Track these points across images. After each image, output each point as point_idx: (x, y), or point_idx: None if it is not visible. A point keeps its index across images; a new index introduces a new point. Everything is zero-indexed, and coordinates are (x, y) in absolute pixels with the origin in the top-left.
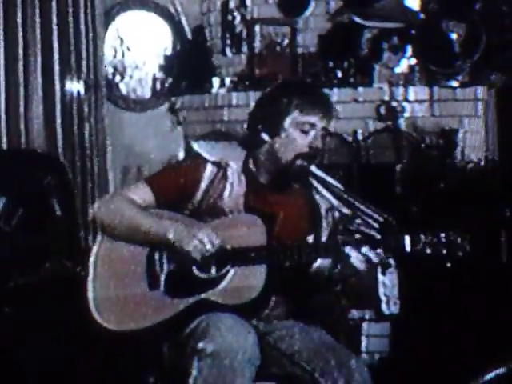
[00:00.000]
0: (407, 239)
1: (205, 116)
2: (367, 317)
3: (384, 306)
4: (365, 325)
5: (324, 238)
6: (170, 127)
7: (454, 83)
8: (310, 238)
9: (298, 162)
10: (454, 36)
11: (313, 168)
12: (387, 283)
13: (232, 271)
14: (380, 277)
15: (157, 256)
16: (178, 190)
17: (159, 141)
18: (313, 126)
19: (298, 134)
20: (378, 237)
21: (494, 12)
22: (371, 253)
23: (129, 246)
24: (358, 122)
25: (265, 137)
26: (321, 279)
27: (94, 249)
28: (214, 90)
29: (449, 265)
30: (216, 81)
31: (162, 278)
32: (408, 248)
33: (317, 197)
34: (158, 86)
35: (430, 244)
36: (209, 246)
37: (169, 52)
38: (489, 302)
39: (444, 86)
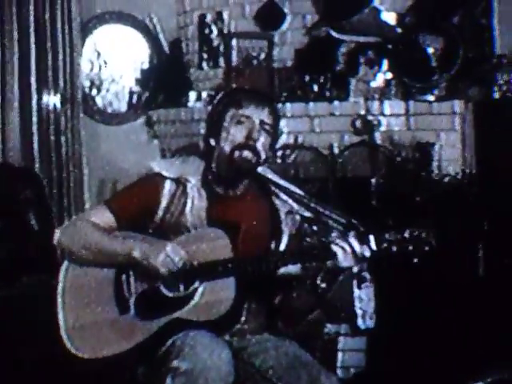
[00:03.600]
0: (372, 239)
1: (181, 129)
2: (343, 331)
3: (360, 321)
4: (341, 339)
5: (284, 242)
6: (147, 141)
7: (431, 97)
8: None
9: (237, 153)
10: (430, 50)
11: (271, 174)
12: (363, 297)
13: (201, 287)
14: (356, 291)
15: (124, 279)
16: (138, 210)
17: (135, 154)
18: (248, 118)
19: (233, 127)
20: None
21: (472, 25)
22: (357, 246)
23: (95, 271)
24: (334, 135)
25: (212, 142)
26: (292, 283)
27: (61, 276)
28: (190, 104)
29: (415, 260)
30: (193, 95)
31: (132, 301)
32: (374, 247)
33: (276, 201)
34: (135, 99)
35: (395, 241)
36: (176, 259)
37: (146, 66)
38: (466, 315)
39: (420, 100)
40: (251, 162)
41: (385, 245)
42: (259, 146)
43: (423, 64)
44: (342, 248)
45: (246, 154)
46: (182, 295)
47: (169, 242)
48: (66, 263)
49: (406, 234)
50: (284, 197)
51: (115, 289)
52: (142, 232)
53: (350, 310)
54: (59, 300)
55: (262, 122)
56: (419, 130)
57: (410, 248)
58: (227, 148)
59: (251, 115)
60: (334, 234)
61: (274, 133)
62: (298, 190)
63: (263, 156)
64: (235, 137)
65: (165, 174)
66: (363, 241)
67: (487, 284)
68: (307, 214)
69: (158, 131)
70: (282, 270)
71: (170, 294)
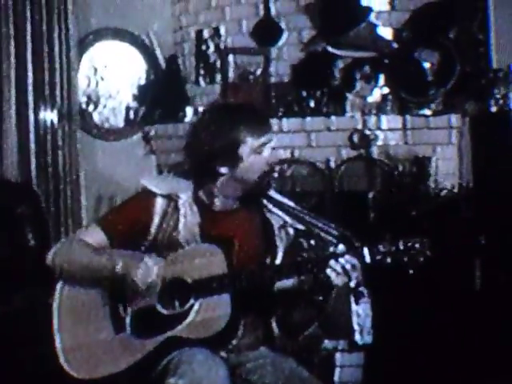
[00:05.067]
0: (366, 251)
1: (178, 145)
2: (340, 347)
3: (357, 336)
4: (338, 355)
5: (280, 256)
6: (143, 156)
7: (427, 112)
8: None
9: (265, 179)
10: (427, 65)
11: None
12: (360, 313)
13: (196, 304)
14: (353, 306)
15: (119, 297)
16: (130, 228)
17: (132, 170)
18: (264, 145)
19: (255, 157)
20: (338, 251)
21: (468, 40)
22: (348, 264)
23: (89, 290)
24: (331, 150)
25: (223, 170)
26: (288, 297)
27: (56, 296)
28: (187, 119)
29: (411, 272)
30: (189, 110)
31: (127, 320)
32: (368, 259)
33: (268, 215)
34: (132, 115)
35: (389, 253)
36: (154, 270)
37: (142, 81)
38: (463, 330)
39: (417, 114)
40: (269, 183)
41: (379, 257)
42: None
43: (420, 78)
44: (335, 270)
45: (267, 179)
46: (177, 313)
47: (160, 259)
48: (60, 282)
49: (400, 245)
50: (277, 210)
51: (110, 308)
52: (135, 250)
53: (348, 325)
54: (55, 320)
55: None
56: (416, 144)
57: (405, 259)
58: (252, 177)
59: (267, 142)
60: (331, 248)
61: None
62: (290, 203)
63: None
64: (259, 167)
65: (155, 190)
66: (356, 253)
67: (484, 297)
68: (300, 226)
69: (155, 147)
70: (278, 285)
71: (166, 312)
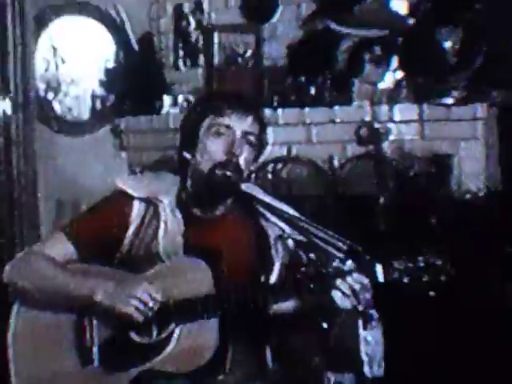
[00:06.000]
0: (379, 268)
1: (154, 141)
2: (347, 381)
3: (366, 368)
4: None
5: (276, 272)
6: (113, 154)
7: (448, 100)
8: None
9: (218, 171)
10: (448, 44)
11: (257, 192)
12: (370, 340)
13: (177, 330)
14: (362, 333)
15: (86, 323)
16: (101, 237)
17: (100, 170)
18: (228, 128)
19: (211, 139)
20: (345, 268)
21: (498, 13)
22: (357, 284)
23: (51, 314)
24: (335, 146)
25: (186, 156)
26: (285, 322)
27: (11, 321)
28: (164, 111)
29: (432, 293)
30: (167, 99)
31: (95, 350)
32: (380, 278)
33: (264, 224)
34: (99, 104)
35: (407, 271)
36: (151, 304)
37: (111, 65)
38: (491, 359)
39: (436, 103)
40: (231, 180)
41: (394, 275)
42: (241, 161)
43: (440, 61)
44: (341, 291)
45: (228, 172)
46: (155, 341)
47: (138, 278)
48: (16, 305)
49: (420, 262)
50: (273, 218)
51: (76, 335)
52: (108, 263)
53: (355, 355)
54: (10, 350)
55: (245, 134)
56: (435, 138)
57: (425, 279)
58: (205, 165)
59: (232, 125)
60: (334, 264)
61: (260, 144)
62: (290, 211)
63: (246, 172)
64: (214, 152)
65: (132, 193)
66: (367, 271)
67: None
68: (301, 238)
69: (127, 143)
70: (274, 308)
71: (141, 341)
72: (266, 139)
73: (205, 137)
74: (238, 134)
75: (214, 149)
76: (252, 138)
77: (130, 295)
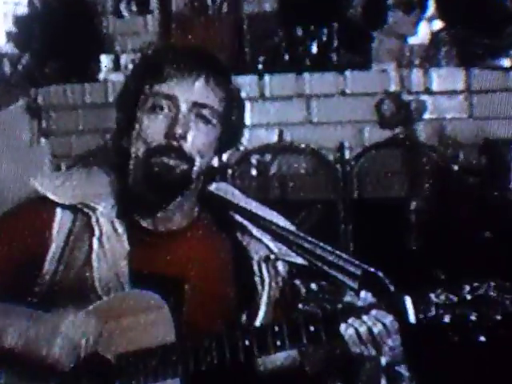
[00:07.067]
0: (409, 303)
1: (87, 120)
2: None
3: None
4: None
5: (262, 310)
6: (29, 140)
7: (506, 62)
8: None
9: (154, 159)
10: None
11: (234, 195)
12: None
13: None
14: None
15: None
16: (13, 260)
17: (9, 165)
18: (168, 98)
19: (146, 116)
20: (361, 302)
21: None
22: (377, 325)
23: None
24: (347, 129)
25: (124, 143)
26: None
27: None
28: (102, 77)
29: (482, 339)
30: (106, 61)
31: None
32: (411, 318)
33: (245, 241)
34: (7, 68)
35: (448, 306)
36: (83, 341)
37: (23, 11)
38: None
39: (489, 66)
40: (175, 171)
41: (431, 313)
42: (188, 145)
43: (493, 7)
44: (355, 336)
45: (168, 159)
46: None
47: (67, 313)
48: None
49: (465, 293)
50: (258, 233)
51: None
52: (23, 297)
53: None
54: None
55: (194, 105)
56: (487, 118)
57: (473, 318)
58: (141, 152)
59: (174, 94)
60: (346, 297)
61: (224, 122)
62: (282, 222)
63: (198, 161)
64: (149, 133)
65: (54, 198)
66: (393, 307)
67: None
68: (298, 260)
69: (48, 124)
70: (262, 363)
71: None
72: (240, 116)
73: (141, 113)
74: (183, 106)
75: (149, 130)
76: (207, 112)
77: (54, 332)
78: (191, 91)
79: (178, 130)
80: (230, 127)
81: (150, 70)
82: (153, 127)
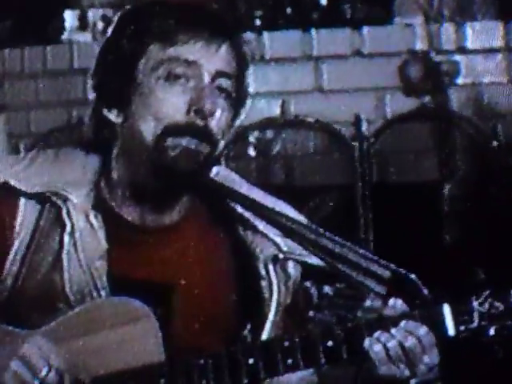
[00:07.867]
0: (447, 311)
1: (51, 91)
2: None
3: None
4: None
5: (270, 319)
6: None
7: None
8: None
9: (170, 142)
10: None
11: (235, 181)
12: None
13: None
14: None
15: None
16: None
17: None
18: (190, 64)
19: (161, 87)
20: (389, 311)
21: None
22: (410, 339)
23: None
24: (364, 98)
25: (111, 118)
26: None
27: None
28: (65, 36)
29: None
30: (70, 16)
31: None
32: (451, 329)
33: (248, 237)
34: None
35: (494, 316)
36: (44, 371)
37: None
38: None
39: None
40: (199, 157)
41: (473, 324)
42: (214, 123)
43: None
44: (384, 353)
45: (190, 142)
46: None
47: (30, 333)
48: None
49: None
50: (263, 226)
51: None
52: None
53: None
54: None
55: (217, 75)
56: None
57: None
58: (148, 132)
59: (199, 60)
60: (369, 303)
61: (238, 97)
62: (290, 212)
63: (221, 143)
64: (167, 108)
65: (17, 185)
66: (428, 317)
67: None
68: (311, 260)
69: (3, 97)
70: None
71: None
72: (247, 87)
73: (147, 82)
74: (206, 76)
75: (163, 103)
76: (228, 83)
77: (10, 355)
78: (214, 57)
79: (207, 105)
80: (240, 102)
81: (161, 29)
82: (170, 100)
